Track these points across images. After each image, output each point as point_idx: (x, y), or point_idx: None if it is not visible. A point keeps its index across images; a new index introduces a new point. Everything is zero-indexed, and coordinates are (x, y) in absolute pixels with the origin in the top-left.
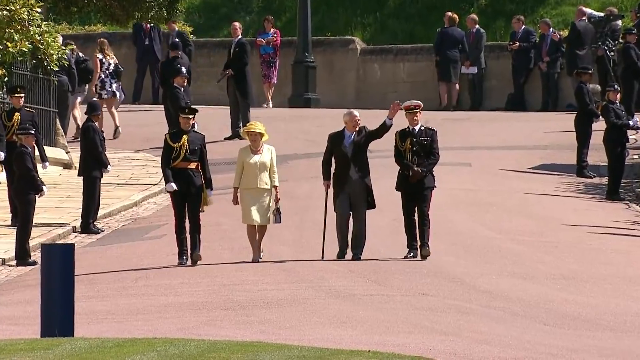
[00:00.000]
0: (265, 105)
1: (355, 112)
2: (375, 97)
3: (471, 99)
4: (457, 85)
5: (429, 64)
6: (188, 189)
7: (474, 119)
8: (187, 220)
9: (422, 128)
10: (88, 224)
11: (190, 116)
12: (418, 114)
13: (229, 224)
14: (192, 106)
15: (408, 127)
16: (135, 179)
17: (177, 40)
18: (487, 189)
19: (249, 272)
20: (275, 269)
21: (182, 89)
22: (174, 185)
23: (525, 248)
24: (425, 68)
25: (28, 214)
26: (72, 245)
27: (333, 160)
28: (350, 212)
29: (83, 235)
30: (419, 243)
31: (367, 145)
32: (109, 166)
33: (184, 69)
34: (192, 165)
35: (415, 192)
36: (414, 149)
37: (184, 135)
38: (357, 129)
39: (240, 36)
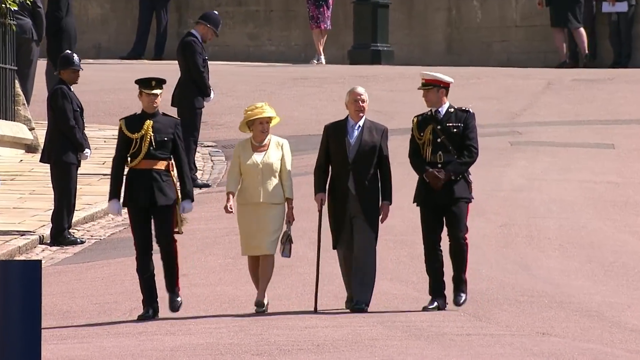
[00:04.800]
0: (314, 62)
1: (360, 89)
2: (474, 49)
3: (615, 50)
4: (581, 31)
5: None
6: (153, 201)
7: (619, 79)
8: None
9: (451, 110)
10: (61, 232)
11: (158, 91)
12: (438, 91)
13: None
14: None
15: (430, 110)
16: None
17: None
18: (639, 182)
19: (292, 301)
20: (329, 297)
21: (203, 41)
22: (117, 207)
23: None
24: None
25: None
26: (39, 262)
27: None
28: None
29: (54, 247)
30: (452, 287)
31: (380, 153)
32: (87, 150)
33: (215, 15)
34: (161, 166)
35: (440, 207)
36: (438, 141)
37: (148, 121)
38: (372, 125)
39: None
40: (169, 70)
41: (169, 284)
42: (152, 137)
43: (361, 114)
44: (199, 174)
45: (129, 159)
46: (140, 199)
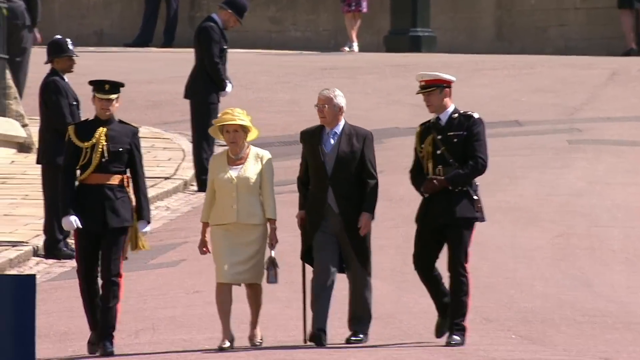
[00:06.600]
0: (346, 49)
1: (325, 92)
2: (527, 34)
3: None
4: None
5: None
6: (105, 222)
7: None
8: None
9: (455, 116)
10: (57, 243)
11: (113, 96)
12: (441, 92)
13: (280, 247)
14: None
15: (436, 117)
16: None
17: None
18: None
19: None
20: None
21: (224, 28)
22: (74, 221)
23: None
24: None
25: None
26: (33, 277)
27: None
28: (344, 266)
29: (50, 260)
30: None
31: (362, 163)
32: None
33: (242, 0)
34: (114, 181)
35: (439, 228)
36: (438, 152)
37: (101, 129)
38: (352, 131)
39: None
40: (181, 60)
41: (102, 329)
42: (105, 147)
43: (324, 122)
44: None
45: (78, 171)
46: (90, 222)
